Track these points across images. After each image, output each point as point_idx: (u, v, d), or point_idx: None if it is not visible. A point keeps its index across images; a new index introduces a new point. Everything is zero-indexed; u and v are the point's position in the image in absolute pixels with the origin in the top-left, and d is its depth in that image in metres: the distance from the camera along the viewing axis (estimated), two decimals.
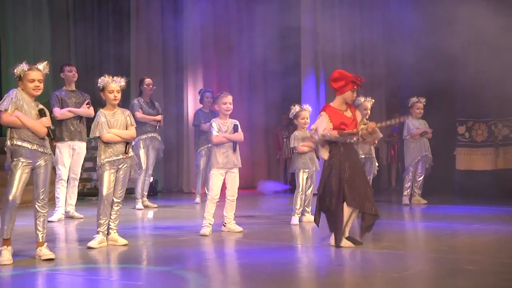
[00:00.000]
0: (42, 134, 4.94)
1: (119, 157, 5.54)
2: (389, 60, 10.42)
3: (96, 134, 5.51)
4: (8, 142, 4.88)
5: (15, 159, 4.86)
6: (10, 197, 4.84)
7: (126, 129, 5.61)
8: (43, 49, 11.33)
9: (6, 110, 4.84)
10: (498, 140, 9.61)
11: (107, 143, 5.51)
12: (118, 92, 5.60)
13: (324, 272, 4.72)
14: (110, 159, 5.51)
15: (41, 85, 4.95)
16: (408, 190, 8.77)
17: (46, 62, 5.02)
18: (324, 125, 5.44)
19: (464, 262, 4.81)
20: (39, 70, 4.94)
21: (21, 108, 4.88)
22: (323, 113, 5.52)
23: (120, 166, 5.55)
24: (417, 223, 7.58)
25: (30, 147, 4.88)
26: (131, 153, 5.61)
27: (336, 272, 4.68)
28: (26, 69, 4.89)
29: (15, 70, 4.93)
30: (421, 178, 8.81)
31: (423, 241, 6.17)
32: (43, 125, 4.93)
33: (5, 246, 4.89)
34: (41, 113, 4.95)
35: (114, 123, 5.57)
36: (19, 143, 4.86)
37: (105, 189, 5.50)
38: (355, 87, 5.48)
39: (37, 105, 5.00)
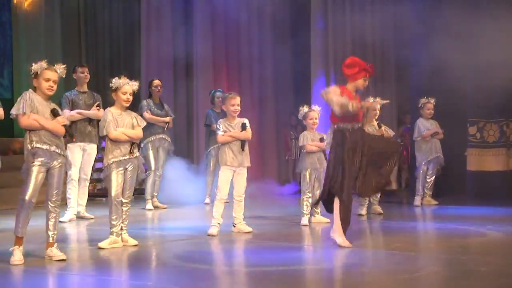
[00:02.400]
0: (61, 133, 5.01)
1: (125, 157, 5.56)
2: (400, 61, 10.37)
3: (104, 132, 5.54)
4: (29, 146, 4.91)
5: (33, 161, 4.88)
6: (27, 197, 4.87)
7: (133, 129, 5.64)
8: (54, 50, 11.37)
9: (24, 113, 4.89)
10: (510, 140, 9.53)
11: (115, 143, 5.53)
12: (131, 95, 5.67)
13: (334, 273, 4.70)
14: (117, 160, 5.53)
15: (55, 86, 5.02)
16: (420, 191, 8.72)
17: (64, 65, 5.10)
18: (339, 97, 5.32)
19: (476, 264, 4.76)
20: (56, 71, 5.02)
21: (36, 110, 4.93)
22: (338, 89, 5.39)
23: (127, 167, 5.56)
24: (429, 224, 7.54)
25: (48, 149, 4.92)
26: (136, 153, 5.63)
27: (346, 273, 4.65)
28: (44, 67, 4.96)
29: (33, 67, 4.98)
30: (431, 179, 8.75)
31: (434, 242, 6.13)
32: (59, 124, 4.98)
33: (17, 246, 4.90)
34: (54, 113, 5.00)
35: (120, 123, 5.60)
36: (38, 145, 4.90)
37: (114, 190, 5.51)
38: (367, 75, 5.46)
39: (50, 104, 5.04)
